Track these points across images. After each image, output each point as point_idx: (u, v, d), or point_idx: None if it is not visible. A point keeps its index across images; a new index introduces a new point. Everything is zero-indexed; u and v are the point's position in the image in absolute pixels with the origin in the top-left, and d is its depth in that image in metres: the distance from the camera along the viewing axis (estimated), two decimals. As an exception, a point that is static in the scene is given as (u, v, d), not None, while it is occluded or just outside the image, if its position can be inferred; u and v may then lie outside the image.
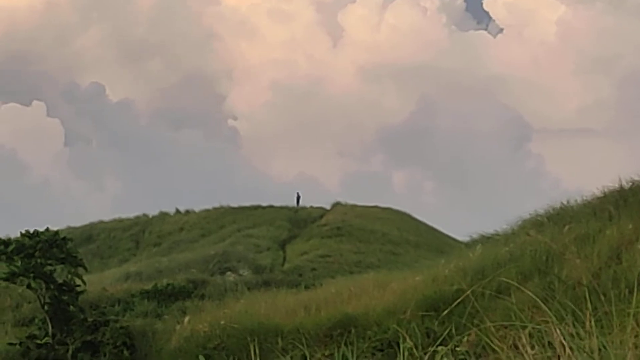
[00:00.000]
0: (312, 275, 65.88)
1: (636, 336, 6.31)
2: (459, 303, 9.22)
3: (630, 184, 47.85)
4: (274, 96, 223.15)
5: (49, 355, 43.06)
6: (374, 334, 34.80)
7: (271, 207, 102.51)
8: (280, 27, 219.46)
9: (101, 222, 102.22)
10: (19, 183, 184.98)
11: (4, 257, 45.27)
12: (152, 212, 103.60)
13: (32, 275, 44.63)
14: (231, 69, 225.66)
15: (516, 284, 12.91)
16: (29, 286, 45.69)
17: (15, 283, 47.24)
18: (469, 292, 8.39)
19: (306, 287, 54.96)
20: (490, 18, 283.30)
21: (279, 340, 28.34)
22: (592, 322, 6.37)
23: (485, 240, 53.01)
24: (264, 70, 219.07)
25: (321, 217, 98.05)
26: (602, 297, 7.04)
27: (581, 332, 6.31)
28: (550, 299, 7.21)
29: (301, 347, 7.94)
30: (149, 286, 58.12)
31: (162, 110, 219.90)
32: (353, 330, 36.02)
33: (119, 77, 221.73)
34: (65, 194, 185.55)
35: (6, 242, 45.62)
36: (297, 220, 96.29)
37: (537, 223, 49.75)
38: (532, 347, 6.35)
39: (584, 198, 49.57)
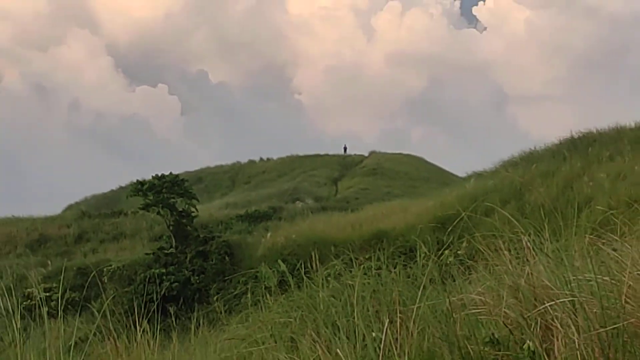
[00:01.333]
0: (356, 203, 65.68)
1: (580, 241, 6.33)
2: (458, 221, 9.25)
3: (579, 134, 48.60)
4: (327, 77, 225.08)
5: (173, 261, 43.85)
6: (399, 243, 34.91)
7: (327, 155, 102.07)
8: (331, 28, 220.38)
9: (208, 167, 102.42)
10: (149, 141, 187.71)
11: (140, 193, 46.28)
12: (243, 160, 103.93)
13: (160, 205, 45.73)
14: (296, 58, 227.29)
15: (498, 207, 12.88)
16: (158, 213, 46.85)
17: (149, 211, 48.25)
18: (465, 213, 8.41)
19: (352, 211, 55.04)
20: (477, 20, 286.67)
21: (332, 248, 28.44)
22: (549, 233, 6.40)
23: (477, 175, 53.40)
24: (320, 59, 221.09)
25: (362, 161, 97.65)
26: (558, 216, 7.04)
27: (542, 239, 6.33)
28: (522, 217, 7.21)
29: (348, 253, 7.97)
30: (242, 212, 58.58)
31: (248, 88, 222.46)
32: (384, 240, 36.17)
33: (218, 65, 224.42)
34: (182, 149, 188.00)
35: (142, 183, 46.54)
36: (345, 164, 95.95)
37: (513, 163, 50.31)
38: (509, 251, 6.36)
39: (546, 145, 50.25)
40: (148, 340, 6.91)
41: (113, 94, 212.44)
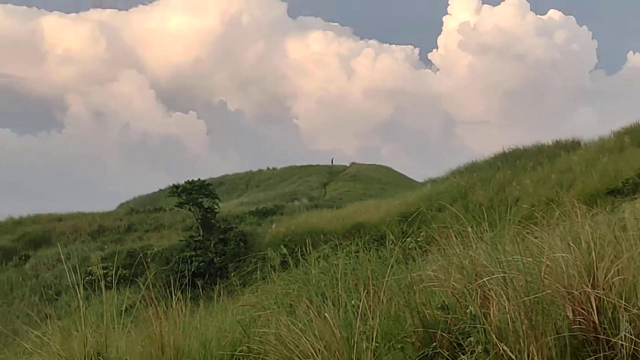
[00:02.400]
0: (340, 202, 65.24)
1: (510, 231, 6.35)
2: (418, 215, 9.28)
3: (509, 150, 48.95)
4: (318, 107, 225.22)
5: (200, 245, 43.77)
6: (373, 232, 34.97)
7: (318, 165, 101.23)
8: (321, 70, 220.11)
9: (227, 175, 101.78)
10: (183, 155, 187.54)
11: (176, 194, 46.47)
12: (254, 169, 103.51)
13: (191, 204, 45.59)
14: (294, 92, 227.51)
15: (448, 205, 12.97)
16: (189, 209, 46.82)
17: (182, 208, 48.16)
18: (423, 208, 8.46)
19: (337, 208, 54.68)
20: (432, 63, 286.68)
21: (322, 236, 28.51)
22: (487, 225, 6.42)
23: (432, 181, 53.44)
24: (312, 93, 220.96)
25: (344, 170, 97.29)
26: (494, 212, 7.06)
27: (481, 230, 6.35)
28: (466, 213, 7.23)
29: (334, 240, 7.94)
30: (253, 209, 58.16)
31: (258, 114, 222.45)
32: (362, 230, 36.11)
33: (235, 97, 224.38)
34: (208, 161, 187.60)
35: (177, 187, 46.52)
36: (332, 172, 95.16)
37: (459, 171, 50.39)
38: (456, 238, 6.38)
39: (484, 158, 50.39)
40: (181, 307, 6.92)
41: (155, 119, 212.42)
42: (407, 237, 8.64)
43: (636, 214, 7.65)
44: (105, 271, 31.85)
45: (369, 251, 7.50)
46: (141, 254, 39.59)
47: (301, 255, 8.46)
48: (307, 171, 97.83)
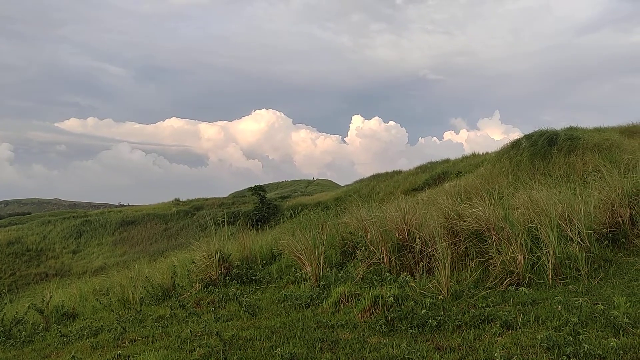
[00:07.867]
0: (313, 193, 63.13)
1: (376, 205, 6.09)
2: (341, 198, 9.03)
3: (385, 172, 44.13)
4: (305, 159, 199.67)
5: (260, 209, 36.97)
6: (324, 205, 32.78)
7: (305, 179, 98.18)
8: (308, 145, 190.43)
9: (270, 183, 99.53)
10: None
11: (254, 191, 37.44)
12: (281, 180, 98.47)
13: (257, 195, 37.84)
14: (295, 154, 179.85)
15: (355, 196, 12.26)
16: (257, 195, 38.94)
17: (254, 195, 40.01)
18: (343, 196, 8.28)
19: (311, 195, 51.88)
20: (346, 142, 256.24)
21: (305, 206, 26.95)
22: (369, 203, 6.17)
23: (347, 185, 47.57)
24: (303, 156, 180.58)
25: (315, 180, 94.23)
26: (371, 200, 6.86)
27: (369, 205, 6.08)
28: (361, 199, 7.00)
29: (313, 208, 7.64)
30: (280, 195, 50.18)
31: (278, 165, 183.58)
32: (320, 204, 33.98)
33: (274, 154, 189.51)
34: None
35: (254, 187, 40.48)
36: (310, 181, 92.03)
37: (361, 180, 41.92)
38: (356, 207, 6.16)
39: (367, 176, 45.51)
40: (251, 232, 6.76)
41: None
42: (337, 206, 8.58)
43: (422, 197, 7.72)
44: (224, 219, 30.12)
45: (324, 211, 7.41)
46: (237, 212, 37.97)
47: (297, 213, 8.33)
48: (302, 182, 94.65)
